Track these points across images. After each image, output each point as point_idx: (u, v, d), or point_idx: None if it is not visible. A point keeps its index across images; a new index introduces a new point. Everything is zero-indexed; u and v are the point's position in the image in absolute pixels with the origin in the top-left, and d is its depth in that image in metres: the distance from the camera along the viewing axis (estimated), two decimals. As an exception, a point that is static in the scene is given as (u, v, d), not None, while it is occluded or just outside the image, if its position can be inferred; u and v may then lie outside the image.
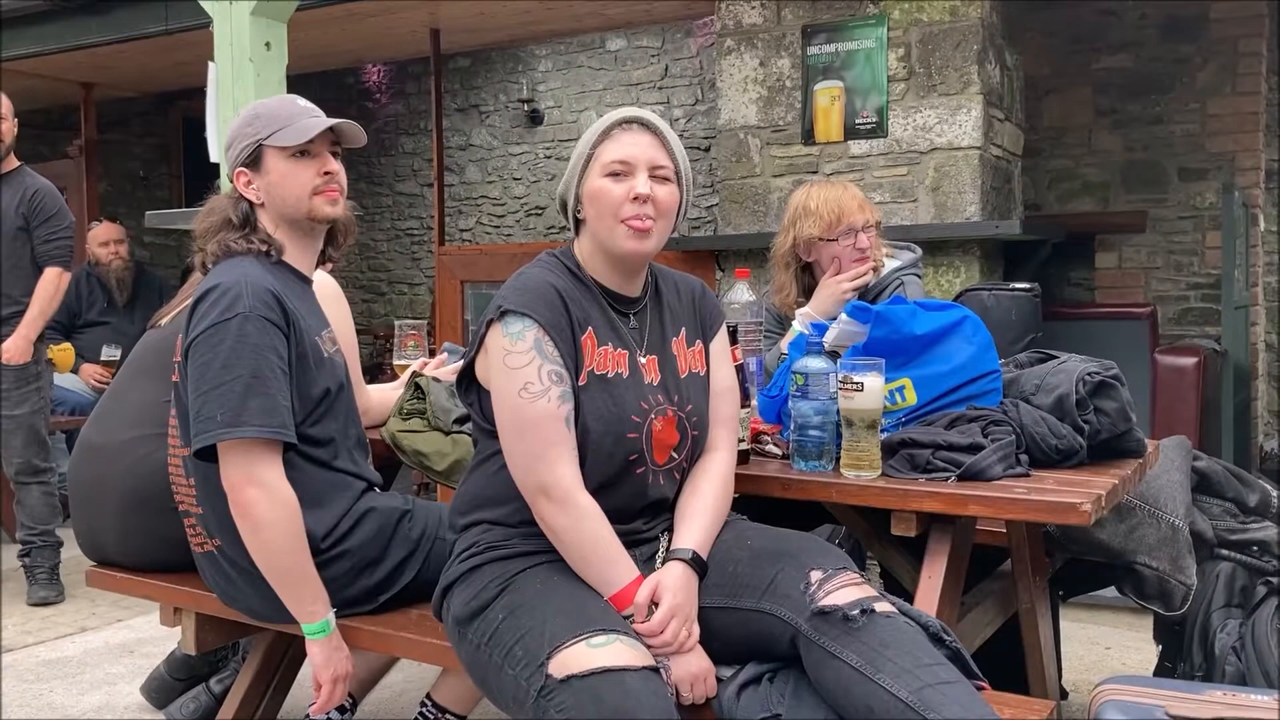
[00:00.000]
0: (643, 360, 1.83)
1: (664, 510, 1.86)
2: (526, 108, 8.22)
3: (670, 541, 1.81)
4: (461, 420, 2.42)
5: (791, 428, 2.01)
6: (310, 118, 2.10)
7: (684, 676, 1.67)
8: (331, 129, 2.11)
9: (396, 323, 2.97)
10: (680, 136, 7.47)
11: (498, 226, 8.48)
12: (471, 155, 8.55)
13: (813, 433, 1.96)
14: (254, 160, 2.09)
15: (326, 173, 2.10)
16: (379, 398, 2.57)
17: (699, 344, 1.93)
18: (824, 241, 2.74)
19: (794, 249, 2.80)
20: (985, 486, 1.84)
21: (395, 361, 2.88)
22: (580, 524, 1.71)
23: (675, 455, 1.83)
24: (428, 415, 2.48)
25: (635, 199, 1.75)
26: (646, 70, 7.79)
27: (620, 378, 1.79)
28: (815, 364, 1.95)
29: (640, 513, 1.83)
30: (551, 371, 1.71)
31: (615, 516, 1.77)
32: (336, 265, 2.31)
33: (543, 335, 1.72)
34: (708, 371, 1.93)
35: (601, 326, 1.81)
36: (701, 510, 1.82)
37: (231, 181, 2.14)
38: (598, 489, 1.76)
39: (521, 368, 1.71)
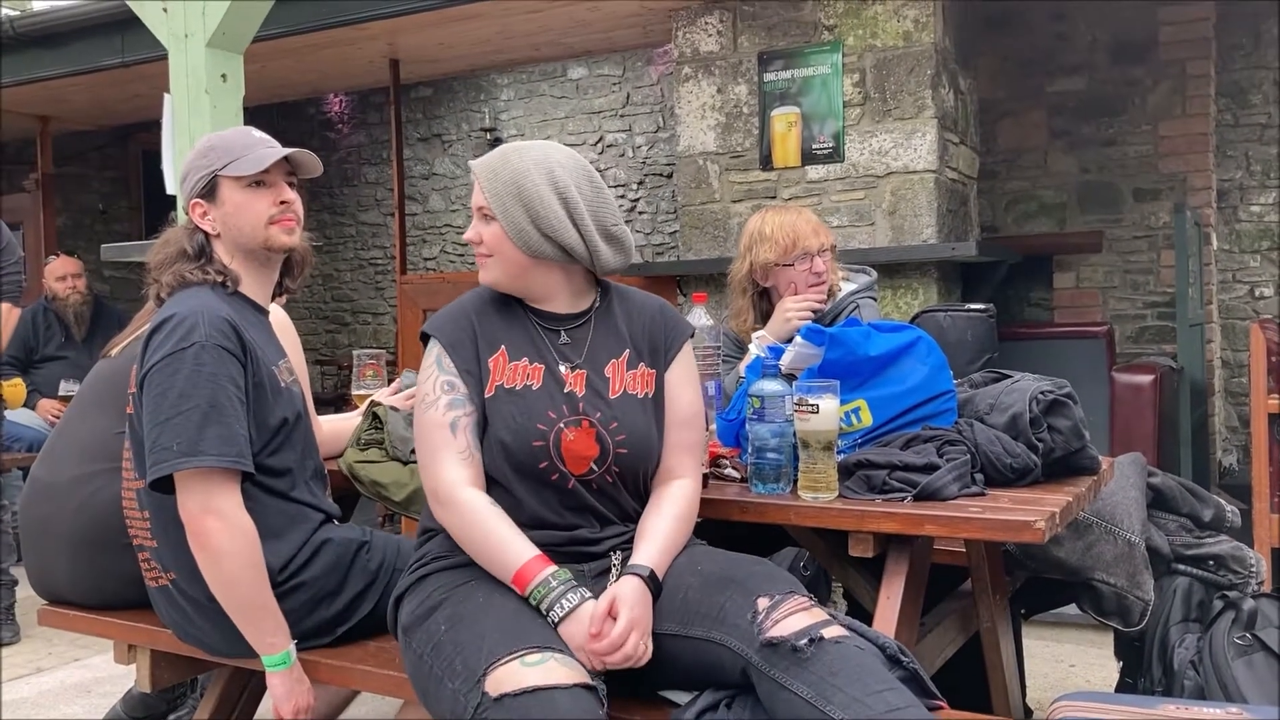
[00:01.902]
0: (564, 373, 1.87)
1: (609, 523, 1.86)
2: (489, 136, 8.23)
3: (624, 560, 1.81)
4: (420, 449, 2.41)
5: (749, 450, 2.01)
6: (266, 148, 2.10)
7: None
8: (287, 159, 2.11)
9: (355, 353, 2.95)
10: (643, 163, 7.61)
11: (461, 255, 8.46)
12: (435, 184, 8.54)
13: (770, 455, 1.96)
14: (209, 191, 2.09)
15: (283, 202, 2.10)
16: (330, 429, 2.55)
17: (643, 367, 1.93)
18: (780, 266, 2.76)
19: (751, 274, 2.82)
20: (941, 506, 1.85)
21: (354, 391, 2.87)
22: (465, 518, 1.78)
23: (595, 468, 1.83)
24: (385, 445, 2.47)
25: (471, 242, 1.91)
26: (608, 98, 7.83)
27: (529, 389, 1.85)
28: (771, 387, 1.96)
29: (576, 519, 1.84)
30: (444, 382, 1.84)
31: (548, 523, 1.81)
32: (292, 295, 2.30)
33: (442, 352, 1.86)
34: (655, 395, 1.92)
35: (518, 344, 1.88)
36: (660, 531, 1.82)
37: (187, 213, 2.13)
38: (525, 495, 1.81)
39: (423, 382, 1.87)
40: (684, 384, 1.95)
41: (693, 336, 2.02)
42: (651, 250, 7.56)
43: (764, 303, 2.87)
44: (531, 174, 1.84)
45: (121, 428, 2.15)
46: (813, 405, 1.88)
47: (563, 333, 1.91)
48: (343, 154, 8.63)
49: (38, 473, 2.42)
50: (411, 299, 5.43)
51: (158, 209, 7.88)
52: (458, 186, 8.47)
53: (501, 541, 1.75)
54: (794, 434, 1.94)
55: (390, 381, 2.87)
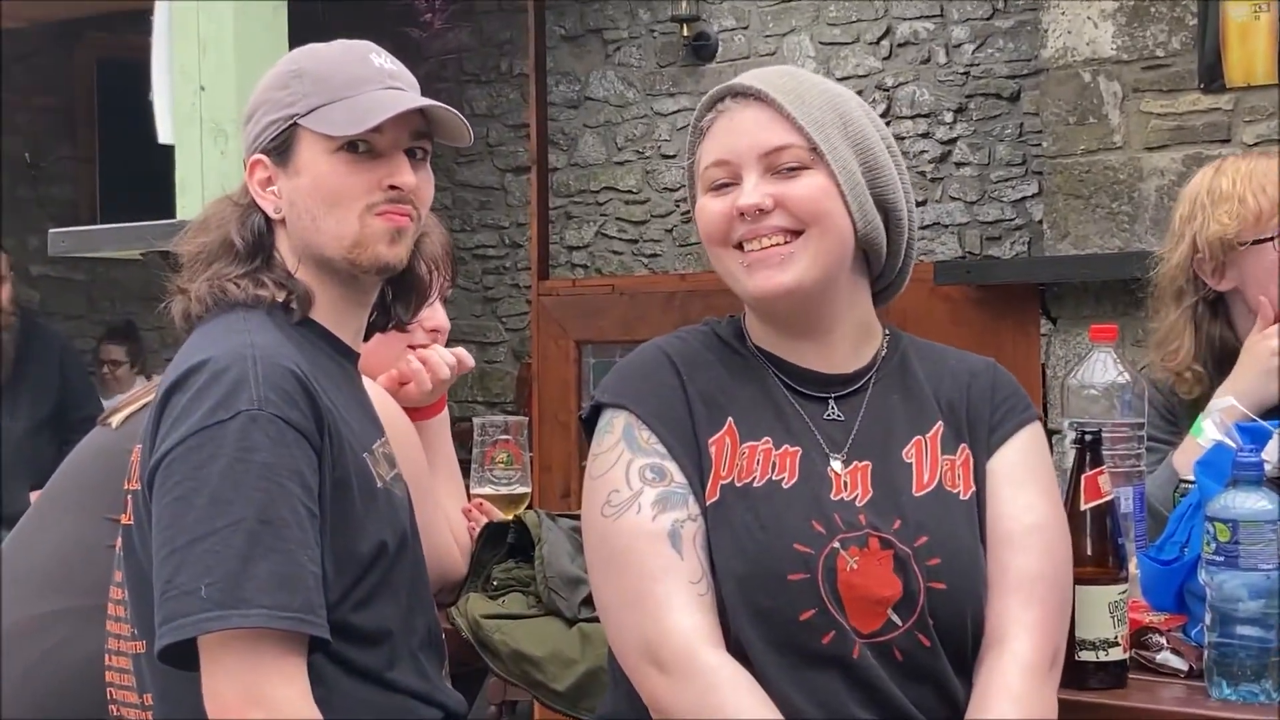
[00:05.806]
0: (837, 467, 1.95)
1: None
2: (687, 32, 8.36)
3: None
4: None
5: (1206, 621, 2.01)
6: (382, 88, 2.14)
7: None
8: (421, 114, 2.15)
9: (477, 421, 3.01)
10: (965, 76, 7.64)
11: (634, 241, 8.59)
12: (589, 117, 8.71)
13: (1248, 631, 1.95)
14: (282, 146, 2.15)
15: (393, 186, 2.13)
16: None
17: (964, 450, 2.00)
18: (1246, 247, 2.72)
19: (1191, 266, 2.78)
20: None
21: (475, 489, 2.93)
22: (711, 700, 1.81)
23: (897, 620, 1.87)
24: (537, 587, 2.52)
25: (741, 215, 1.95)
26: (900, -37, 7.88)
27: (776, 488, 1.93)
28: (1251, 503, 1.96)
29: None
30: (644, 467, 1.95)
31: None
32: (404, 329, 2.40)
33: (635, 422, 1.98)
34: (977, 495, 1.98)
35: (756, 415, 1.98)
36: None
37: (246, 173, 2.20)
38: (776, 676, 1.85)
39: (605, 474, 1.98)
40: (1018, 479, 2.01)
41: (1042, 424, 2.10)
42: (979, 234, 7.52)
43: (1217, 325, 2.82)
44: (846, 97, 1.99)
45: (114, 540, 2.23)
46: (1331, 543, 1.87)
47: (831, 403, 2.01)
48: (431, 67, 8.88)
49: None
50: (556, 321, 5.53)
51: (123, 160, 8.24)
52: (628, 121, 8.60)
53: None
54: (1296, 594, 1.93)
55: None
